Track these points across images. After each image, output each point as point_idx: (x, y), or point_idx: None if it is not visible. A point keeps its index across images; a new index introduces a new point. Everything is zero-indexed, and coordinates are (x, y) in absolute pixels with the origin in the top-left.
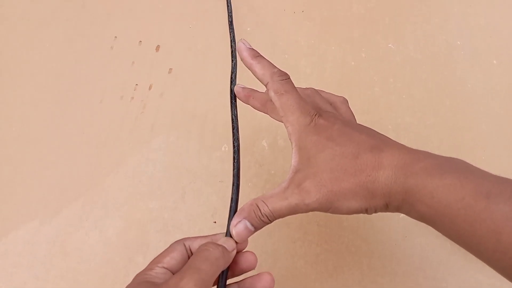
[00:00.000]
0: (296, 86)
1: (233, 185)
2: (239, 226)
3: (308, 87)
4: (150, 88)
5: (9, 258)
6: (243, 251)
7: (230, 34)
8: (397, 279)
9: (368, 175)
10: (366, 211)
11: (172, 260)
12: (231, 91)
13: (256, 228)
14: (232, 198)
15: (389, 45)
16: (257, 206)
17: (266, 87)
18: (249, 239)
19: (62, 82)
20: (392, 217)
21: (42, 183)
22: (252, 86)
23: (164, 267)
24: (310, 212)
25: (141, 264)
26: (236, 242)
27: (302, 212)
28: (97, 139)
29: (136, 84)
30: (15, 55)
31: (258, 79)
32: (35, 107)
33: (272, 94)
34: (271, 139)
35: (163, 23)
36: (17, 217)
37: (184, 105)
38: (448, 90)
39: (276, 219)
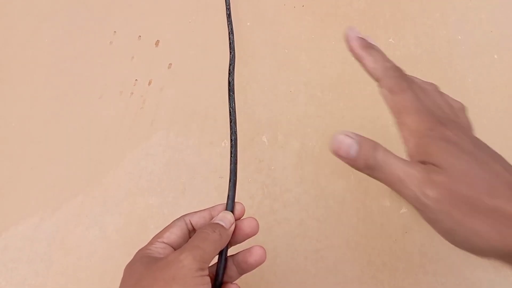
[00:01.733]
0: (296, 80)
1: (229, 181)
2: None
3: (427, 81)
4: (149, 83)
5: (9, 254)
6: (244, 218)
7: (228, 27)
8: (397, 275)
9: (500, 221)
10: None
11: (172, 235)
12: (229, 83)
13: None
14: (228, 195)
15: (390, 40)
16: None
17: (378, 82)
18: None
19: (61, 77)
20: (392, 213)
21: (42, 179)
22: (259, 79)
23: (163, 242)
24: (310, 208)
25: None
26: (234, 218)
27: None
28: (96, 134)
29: (136, 79)
30: (15, 51)
31: (368, 73)
32: (34, 103)
33: (385, 92)
34: (271, 135)
35: (162, 17)
36: (17, 213)
37: (184, 101)
38: (448, 85)
39: None
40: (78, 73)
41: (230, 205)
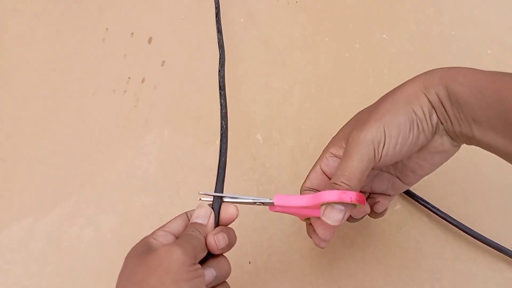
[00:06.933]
0: (290, 78)
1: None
2: None
3: None
4: (143, 81)
5: (3, 255)
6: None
7: (216, 25)
8: (392, 271)
9: None
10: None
11: (173, 224)
12: (219, 81)
13: None
14: (217, 178)
15: (383, 36)
16: None
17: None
18: (244, 233)
19: (54, 76)
20: (387, 209)
21: (35, 179)
22: (253, 76)
23: (164, 230)
24: None
25: None
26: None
27: None
28: (90, 134)
29: (129, 77)
30: (6, 49)
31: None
32: (26, 102)
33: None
34: (265, 132)
35: (155, 14)
36: (11, 213)
37: (178, 98)
38: None
39: None
40: (70, 71)
41: (219, 189)
